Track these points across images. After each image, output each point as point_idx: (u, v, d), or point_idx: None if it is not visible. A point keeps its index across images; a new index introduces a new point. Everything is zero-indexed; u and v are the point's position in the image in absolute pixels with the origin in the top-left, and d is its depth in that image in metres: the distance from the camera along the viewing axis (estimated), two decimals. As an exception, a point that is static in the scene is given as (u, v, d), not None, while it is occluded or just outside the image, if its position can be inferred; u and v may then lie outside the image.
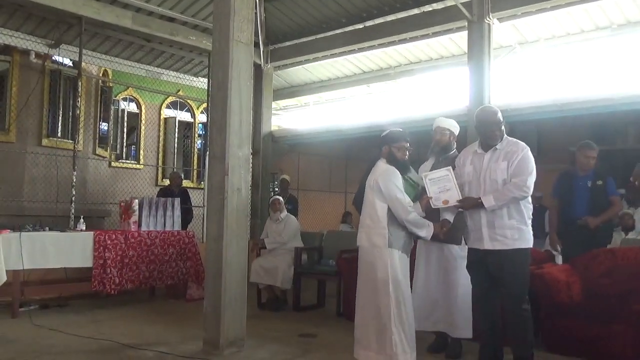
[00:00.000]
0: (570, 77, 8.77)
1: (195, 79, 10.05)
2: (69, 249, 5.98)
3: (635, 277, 4.24)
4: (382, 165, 4.05)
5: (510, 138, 3.89)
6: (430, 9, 7.61)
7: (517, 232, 3.71)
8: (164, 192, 8.47)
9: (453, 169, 4.05)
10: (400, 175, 3.97)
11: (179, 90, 10.40)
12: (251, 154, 6.53)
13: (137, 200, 6.85)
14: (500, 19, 7.13)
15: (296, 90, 11.37)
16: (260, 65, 9.36)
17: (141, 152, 10.35)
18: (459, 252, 4.30)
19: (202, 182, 10.21)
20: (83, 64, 7.72)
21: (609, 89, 6.78)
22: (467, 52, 7.31)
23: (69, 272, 6.41)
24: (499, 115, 3.88)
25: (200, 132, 11.39)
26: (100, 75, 9.14)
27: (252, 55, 4.77)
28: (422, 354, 4.35)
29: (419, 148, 4.59)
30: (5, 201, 7.41)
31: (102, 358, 4.31)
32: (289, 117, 12.99)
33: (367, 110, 11.52)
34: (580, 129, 8.84)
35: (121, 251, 6.33)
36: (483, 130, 3.89)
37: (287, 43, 9.27)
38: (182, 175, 10.02)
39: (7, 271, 5.48)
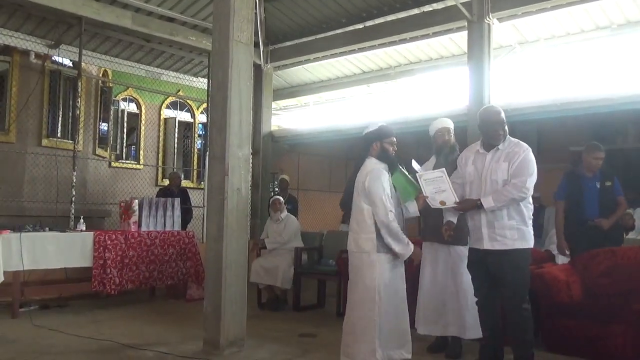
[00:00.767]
0: (570, 77, 8.77)
1: (195, 79, 10.06)
2: (69, 249, 5.98)
3: (635, 277, 4.25)
4: (369, 165, 3.84)
5: (513, 139, 3.87)
6: (430, 9, 7.60)
7: (517, 232, 3.70)
8: (164, 192, 8.47)
9: (455, 169, 4.05)
10: (387, 176, 3.77)
11: (178, 91, 10.40)
12: (251, 154, 6.53)
13: (137, 201, 6.86)
14: (500, 19, 7.12)
15: (296, 90, 11.37)
16: (260, 65, 9.35)
17: (141, 152, 10.36)
18: (465, 252, 4.28)
19: (202, 182, 10.22)
20: (83, 64, 7.72)
21: (609, 88, 6.77)
22: (467, 52, 7.30)
23: (69, 273, 6.41)
24: (502, 115, 3.86)
25: (200, 132, 11.39)
26: (100, 75, 9.15)
27: (252, 55, 4.77)
28: (423, 354, 4.36)
29: (419, 148, 4.59)
30: (5, 201, 7.41)
31: (102, 358, 4.31)
32: (289, 117, 12.99)
33: (367, 110, 11.52)
34: (580, 128, 8.84)
35: (121, 251, 6.34)
36: (486, 130, 3.87)
37: (287, 43, 9.27)
38: (182, 176, 10.02)
39: (7, 272, 5.49)
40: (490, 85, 7.02)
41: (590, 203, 5.17)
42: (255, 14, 4.99)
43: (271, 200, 6.96)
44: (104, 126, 9.17)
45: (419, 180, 3.93)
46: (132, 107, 10.39)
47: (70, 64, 8.38)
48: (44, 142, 8.06)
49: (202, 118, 11.21)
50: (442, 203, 3.85)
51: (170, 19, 8.14)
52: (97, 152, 9.03)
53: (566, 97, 6.90)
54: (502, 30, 7.52)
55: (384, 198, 3.66)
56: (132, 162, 10.29)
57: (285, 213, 6.76)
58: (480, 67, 7.00)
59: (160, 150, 10.71)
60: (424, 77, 9.76)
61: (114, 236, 6.33)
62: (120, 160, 9.98)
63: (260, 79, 9.39)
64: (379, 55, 9.39)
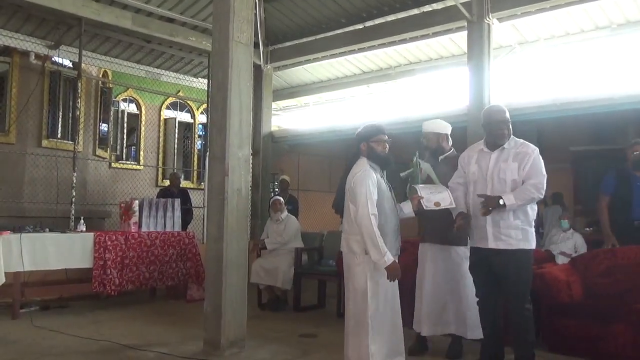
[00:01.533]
0: (570, 77, 8.78)
1: (195, 79, 10.06)
2: (69, 250, 5.99)
3: (636, 276, 4.24)
4: (359, 165, 3.71)
5: (517, 138, 3.86)
6: (430, 9, 7.61)
7: (522, 232, 3.70)
8: (164, 193, 8.48)
9: (455, 169, 4.04)
10: (375, 177, 3.62)
11: (178, 91, 10.40)
12: (251, 154, 6.53)
13: (137, 201, 6.86)
14: (499, 19, 7.13)
15: (296, 90, 11.38)
16: (260, 65, 9.35)
17: (141, 153, 10.35)
18: (466, 253, 4.27)
19: (202, 183, 10.22)
20: (83, 65, 7.73)
21: (609, 88, 6.77)
22: (467, 52, 7.30)
23: (69, 273, 6.41)
24: (507, 114, 3.85)
25: (200, 133, 11.39)
26: (100, 76, 9.15)
27: (251, 56, 4.77)
28: (424, 355, 4.36)
29: (419, 148, 4.58)
30: (5, 202, 7.41)
31: (103, 359, 4.31)
32: (289, 118, 13.00)
33: (367, 111, 11.52)
34: (580, 128, 8.85)
35: (121, 252, 6.34)
36: (491, 129, 3.85)
37: (287, 43, 9.27)
38: (182, 176, 10.03)
39: (8, 272, 5.50)
40: (490, 85, 7.02)
41: (638, 202, 5.10)
42: (255, 14, 4.99)
43: (271, 200, 6.96)
44: (104, 127, 9.17)
45: (416, 187, 3.92)
46: (132, 108, 10.39)
47: (70, 65, 8.38)
48: (44, 142, 8.06)
49: (202, 118, 11.21)
50: (437, 204, 3.82)
51: (170, 20, 8.14)
52: (97, 153, 9.03)
53: (566, 97, 6.91)
54: (501, 30, 7.52)
55: (366, 200, 3.51)
56: (132, 162, 10.28)
57: (285, 213, 6.76)
58: (480, 67, 7.00)
59: (161, 150, 10.71)
60: (424, 78, 9.76)
61: (114, 237, 6.33)
62: (120, 161, 9.98)
63: (260, 80, 9.39)
64: (379, 56, 9.40)
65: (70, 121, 8.32)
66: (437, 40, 8.47)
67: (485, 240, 3.76)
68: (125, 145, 10.26)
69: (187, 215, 8.37)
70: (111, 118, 9.39)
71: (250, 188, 6.05)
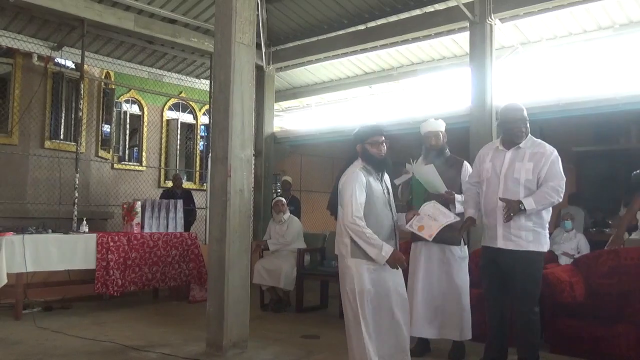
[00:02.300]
0: (573, 77, 8.76)
1: (197, 80, 10.07)
2: (72, 251, 6.00)
3: (639, 277, 4.23)
4: (352, 167, 3.59)
5: (535, 138, 3.80)
6: (432, 9, 7.60)
7: (532, 234, 3.64)
8: (167, 194, 8.49)
9: (459, 174, 4.03)
10: (363, 181, 3.46)
11: (181, 92, 10.41)
12: (253, 155, 6.54)
13: (139, 202, 6.88)
14: (502, 20, 7.13)
15: (298, 91, 11.38)
16: (262, 66, 9.36)
17: (143, 154, 10.37)
18: (460, 253, 4.28)
19: (204, 184, 10.22)
20: (85, 66, 7.74)
21: (612, 88, 6.76)
22: (469, 52, 7.30)
23: (72, 274, 6.42)
24: (525, 112, 3.81)
25: (203, 134, 11.40)
26: (103, 77, 9.16)
27: (254, 57, 4.78)
28: (425, 356, 4.35)
29: (423, 149, 4.57)
30: (8, 203, 7.42)
31: (105, 360, 4.32)
32: (291, 119, 13.00)
33: (369, 111, 11.52)
34: (584, 128, 8.82)
35: (124, 253, 6.34)
36: (509, 127, 3.81)
37: (289, 44, 9.28)
38: (185, 177, 10.04)
39: (10, 273, 5.51)
40: (493, 86, 7.01)
41: None
42: (257, 15, 5.00)
43: (274, 201, 6.97)
44: (106, 128, 9.19)
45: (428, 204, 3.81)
46: (135, 109, 10.41)
47: (73, 66, 8.40)
48: (47, 144, 8.08)
49: (204, 119, 11.22)
50: (420, 228, 3.66)
51: (173, 21, 8.14)
52: (99, 154, 9.04)
53: (569, 97, 6.90)
54: (504, 30, 7.51)
55: (352, 201, 3.39)
56: (135, 163, 10.30)
57: (287, 214, 6.76)
58: (483, 67, 7.00)
59: (163, 151, 10.72)
60: (426, 78, 9.76)
61: (116, 238, 6.33)
62: (122, 162, 10.00)
63: (262, 81, 9.41)
64: (381, 56, 9.39)
65: (72, 122, 8.33)
66: (439, 41, 8.47)
67: (494, 240, 3.73)
68: (127, 146, 10.28)
69: (189, 216, 8.38)
70: (114, 119, 9.41)
71: (252, 189, 6.06)
